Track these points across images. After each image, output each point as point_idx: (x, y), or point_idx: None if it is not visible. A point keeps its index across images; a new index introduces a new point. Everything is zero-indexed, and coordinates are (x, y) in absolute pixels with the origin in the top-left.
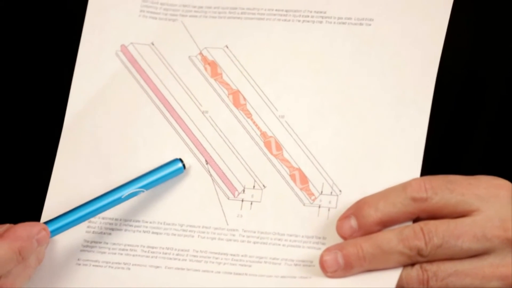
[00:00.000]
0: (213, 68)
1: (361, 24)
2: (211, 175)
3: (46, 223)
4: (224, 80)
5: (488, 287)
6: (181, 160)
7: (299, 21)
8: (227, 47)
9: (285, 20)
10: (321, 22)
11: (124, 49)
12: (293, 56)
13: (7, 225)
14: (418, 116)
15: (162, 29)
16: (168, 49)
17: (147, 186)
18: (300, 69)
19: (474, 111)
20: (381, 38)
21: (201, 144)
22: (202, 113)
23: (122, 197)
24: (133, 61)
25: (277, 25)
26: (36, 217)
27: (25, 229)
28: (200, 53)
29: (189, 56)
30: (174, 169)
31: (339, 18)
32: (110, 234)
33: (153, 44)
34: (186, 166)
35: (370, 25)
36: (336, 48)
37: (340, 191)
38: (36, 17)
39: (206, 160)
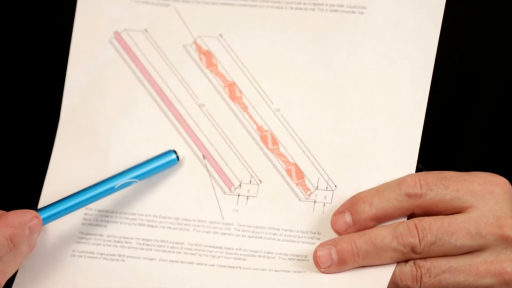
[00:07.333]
0: (208, 58)
1: (353, 12)
2: (208, 170)
3: (38, 210)
4: (220, 71)
5: (482, 283)
6: (175, 151)
7: (291, 8)
8: (221, 35)
9: (278, 7)
10: (313, 9)
11: (117, 36)
12: (288, 47)
13: None
14: (414, 111)
15: (155, 14)
16: (162, 36)
17: (140, 177)
18: (295, 62)
19: (469, 107)
20: (374, 29)
21: (199, 139)
22: (199, 106)
23: (115, 187)
24: (128, 49)
25: (270, 13)
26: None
27: (17, 216)
28: (195, 42)
29: (184, 45)
30: (167, 160)
31: (331, 6)
32: (105, 226)
33: (146, 30)
34: (180, 157)
35: (362, 13)
36: (330, 39)
37: (336, 186)
38: (28, 7)
39: (203, 155)
